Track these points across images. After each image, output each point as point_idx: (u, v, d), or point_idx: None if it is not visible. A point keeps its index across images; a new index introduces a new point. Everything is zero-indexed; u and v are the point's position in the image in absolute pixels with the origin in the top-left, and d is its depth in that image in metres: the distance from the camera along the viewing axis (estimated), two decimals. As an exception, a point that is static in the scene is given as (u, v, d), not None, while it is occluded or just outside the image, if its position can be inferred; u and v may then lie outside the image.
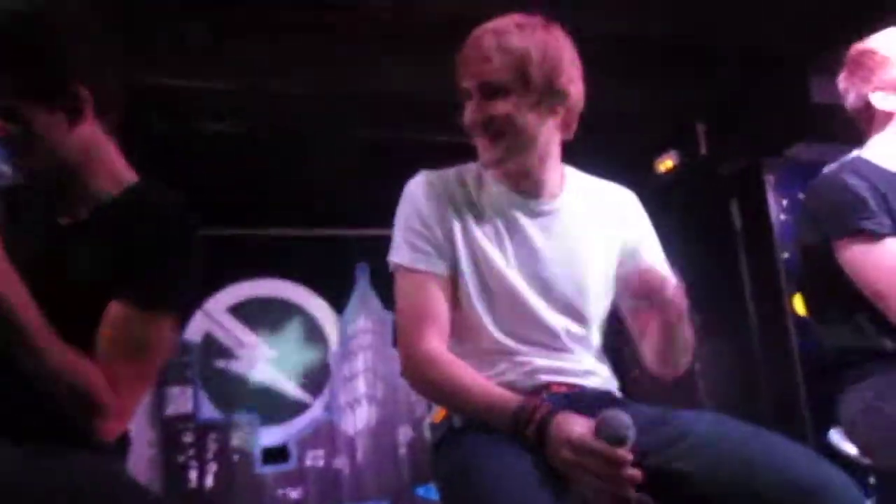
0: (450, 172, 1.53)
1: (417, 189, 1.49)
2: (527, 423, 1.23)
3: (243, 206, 5.06)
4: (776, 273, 4.15)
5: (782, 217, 4.21)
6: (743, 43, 3.84)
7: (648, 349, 1.51)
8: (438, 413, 1.46)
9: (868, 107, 1.87)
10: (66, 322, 1.27)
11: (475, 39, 1.42)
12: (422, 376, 1.38)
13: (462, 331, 1.45)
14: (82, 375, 1.23)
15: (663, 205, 4.89)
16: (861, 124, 1.92)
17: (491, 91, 1.40)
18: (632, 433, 1.16)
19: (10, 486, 1.13)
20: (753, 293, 4.37)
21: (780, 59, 3.92)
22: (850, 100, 1.92)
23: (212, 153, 4.63)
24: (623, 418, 1.17)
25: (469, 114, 1.43)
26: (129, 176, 1.44)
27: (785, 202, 4.24)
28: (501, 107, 1.39)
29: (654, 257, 1.56)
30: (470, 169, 1.53)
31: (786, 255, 4.14)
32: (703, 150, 4.63)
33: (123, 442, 1.39)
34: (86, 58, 1.35)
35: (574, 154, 1.56)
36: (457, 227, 1.45)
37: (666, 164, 4.84)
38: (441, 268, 1.43)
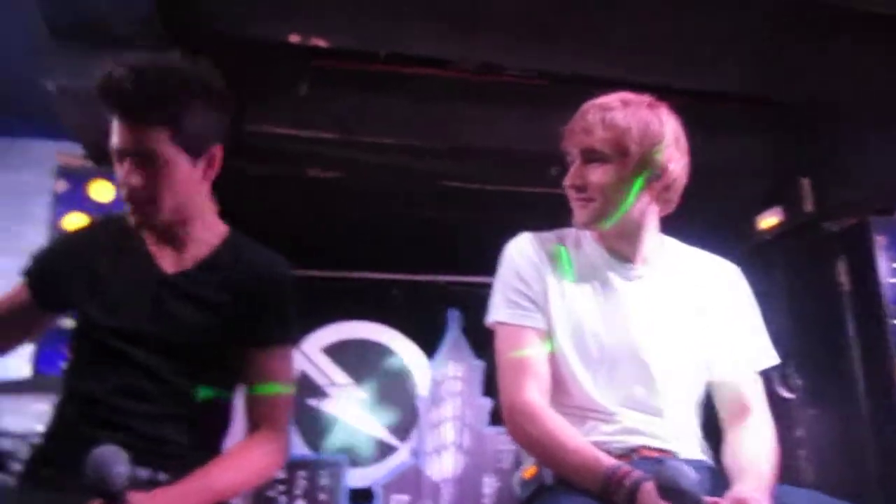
0: (549, 234, 1.59)
1: (515, 249, 1.55)
2: (617, 486, 1.23)
3: (341, 250, 5.23)
4: (885, 339, 3.94)
5: (892, 280, 4.00)
6: (850, 97, 3.74)
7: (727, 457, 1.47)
8: (529, 469, 1.47)
9: None
10: (173, 362, 1.40)
11: (581, 112, 1.50)
12: (521, 429, 1.41)
13: (556, 386, 1.46)
14: (256, 470, 1.45)
15: (767, 263, 4.78)
16: None
17: (590, 157, 1.46)
18: (690, 483, 1.13)
19: None
20: (861, 359, 4.15)
21: (890, 114, 3.78)
22: None
23: (310, 199, 4.84)
24: (683, 469, 1.14)
25: (568, 176, 1.51)
26: (221, 227, 1.56)
27: (895, 265, 4.03)
28: (597, 174, 1.45)
29: (749, 333, 1.54)
30: (570, 231, 1.58)
31: (895, 321, 3.92)
32: (809, 207, 4.48)
33: None
34: (221, 120, 1.48)
35: (675, 212, 1.57)
36: (553, 284, 1.50)
37: (769, 220, 4.70)
38: (539, 322, 1.47)
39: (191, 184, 1.44)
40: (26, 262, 1.59)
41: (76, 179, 3.88)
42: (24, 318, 1.56)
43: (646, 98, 1.50)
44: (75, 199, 3.82)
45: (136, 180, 1.41)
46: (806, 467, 4.25)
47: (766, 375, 1.56)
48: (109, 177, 3.68)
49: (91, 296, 1.47)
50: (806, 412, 4.43)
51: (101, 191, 3.76)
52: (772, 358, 1.54)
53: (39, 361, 3.69)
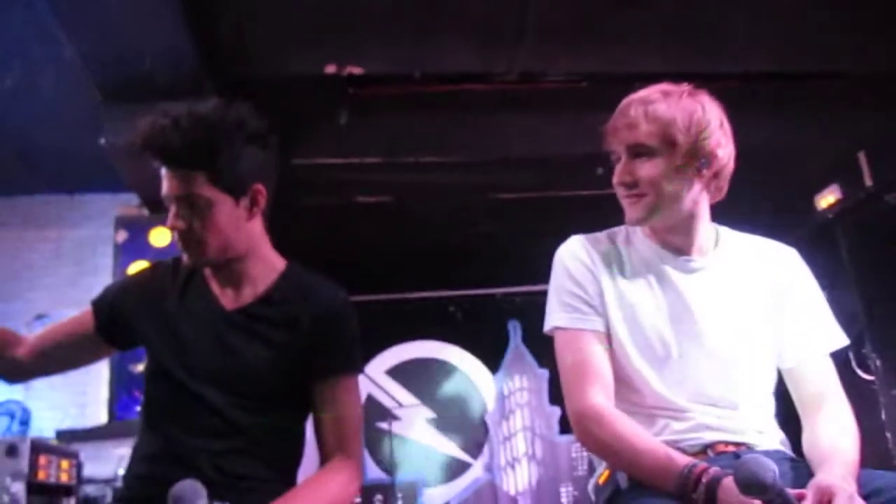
0: (599, 234, 1.56)
1: (567, 252, 1.53)
2: (695, 484, 1.20)
3: (395, 271, 5.28)
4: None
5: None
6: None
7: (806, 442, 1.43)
8: (602, 474, 1.45)
9: None
10: (241, 398, 1.44)
11: (623, 108, 1.47)
12: (589, 434, 1.39)
13: (621, 386, 1.44)
14: (334, 499, 1.46)
15: (832, 242, 4.64)
16: None
17: (638, 152, 1.44)
18: (772, 476, 1.09)
19: None
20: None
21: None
22: None
23: (362, 224, 4.90)
24: (763, 462, 1.11)
25: (616, 174, 1.48)
26: (279, 262, 1.60)
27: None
28: (646, 168, 1.43)
29: (814, 315, 1.50)
30: (620, 229, 1.56)
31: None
32: (868, 181, 4.35)
33: None
34: (264, 161, 1.52)
35: (730, 197, 1.54)
36: (608, 285, 1.48)
37: (827, 199, 4.58)
38: (598, 324, 1.45)
39: (235, 222, 1.48)
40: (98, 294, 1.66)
41: (136, 228, 4.00)
42: (80, 343, 1.62)
43: (685, 87, 1.46)
44: (137, 247, 3.94)
45: (182, 223, 1.47)
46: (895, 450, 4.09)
47: (844, 359, 1.51)
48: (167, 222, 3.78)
49: (161, 338, 1.53)
50: (888, 394, 4.27)
51: (161, 237, 3.87)
52: (840, 339, 1.49)
53: (117, 408, 3.81)
